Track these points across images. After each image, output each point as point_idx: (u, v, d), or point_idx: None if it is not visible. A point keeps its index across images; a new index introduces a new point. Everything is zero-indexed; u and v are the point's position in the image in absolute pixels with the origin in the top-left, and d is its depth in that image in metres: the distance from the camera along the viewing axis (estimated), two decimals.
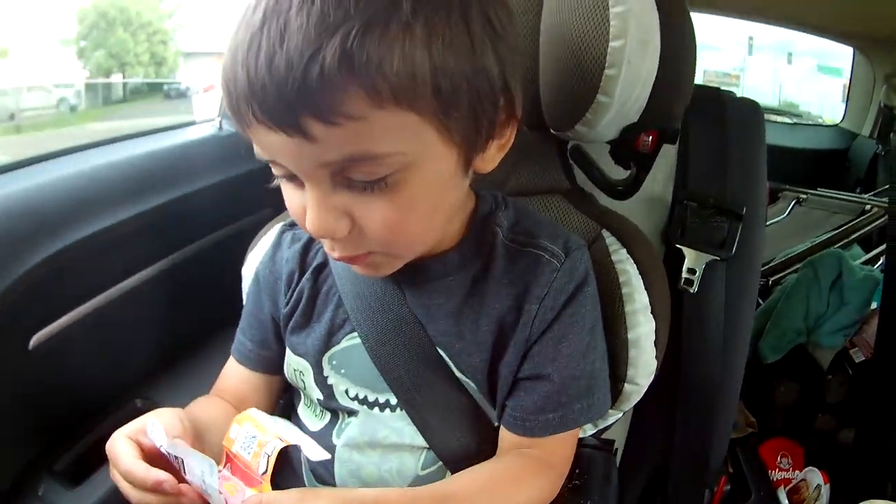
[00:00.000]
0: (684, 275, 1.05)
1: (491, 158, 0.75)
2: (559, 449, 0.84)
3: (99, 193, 1.08)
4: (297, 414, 0.94)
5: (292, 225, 0.94)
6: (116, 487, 0.74)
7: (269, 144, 0.63)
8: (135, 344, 1.10)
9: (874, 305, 1.91)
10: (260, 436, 0.68)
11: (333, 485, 0.88)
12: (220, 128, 1.40)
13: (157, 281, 1.16)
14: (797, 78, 5.52)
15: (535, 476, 0.81)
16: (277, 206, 1.06)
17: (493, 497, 0.77)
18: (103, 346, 1.11)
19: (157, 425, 0.70)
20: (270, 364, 0.94)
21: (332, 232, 0.67)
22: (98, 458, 0.94)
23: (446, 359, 0.83)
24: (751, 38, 5.80)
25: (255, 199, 1.34)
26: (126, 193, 1.10)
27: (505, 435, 0.84)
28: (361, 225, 0.68)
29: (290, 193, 0.71)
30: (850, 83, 3.56)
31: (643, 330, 0.90)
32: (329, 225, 0.66)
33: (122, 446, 0.71)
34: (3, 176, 1.04)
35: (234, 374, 0.95)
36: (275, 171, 0.69)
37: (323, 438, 0.88)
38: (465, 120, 0.66)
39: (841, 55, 3.73)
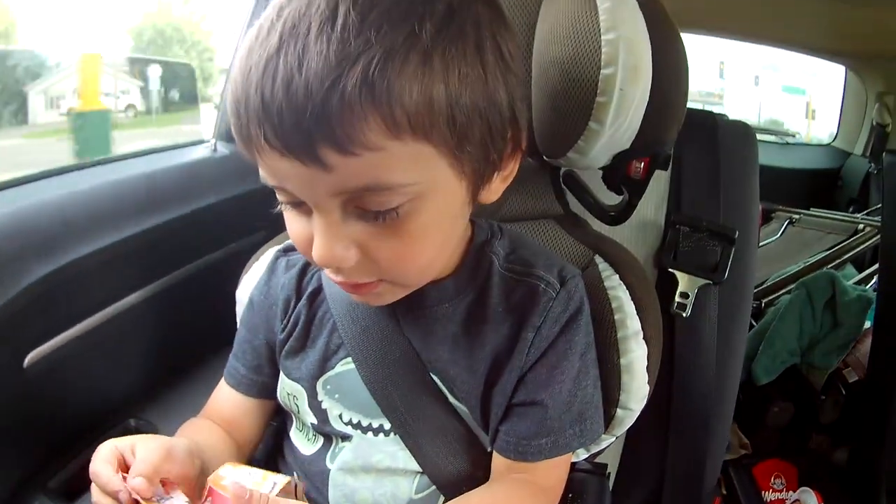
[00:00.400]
0: (677, 299, 1.05)
1: (495, 190, 0.75)
2: (552, 473, 0.84)
3: (93, 214, 1.08)
4: (288, 438, 0.94)
5: (286, 251, 0.94)
6: None
7: (278, 170, 0.62)
8: (129, 363, 1.10)
9: (867, 325, 1.92)
10: (260, 472, 0.68)
11: None
12: (215, 150, 1.40)
13: (151, 302, 1.16)
14: (765, 98, 5.75)
15: (530, 500, 0.82)
16: (271, 230, 1.07)
17: None
18: (98, 365, 1.11)
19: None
20: (263, 389, 0.94)
21: (340, 261, 0.66)
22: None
23: (440, 385, 0.83)
24: (722, 63, 5.94)
25: (249, 221, 1.35)
26: (120, 215, 1.10)
27: (498, 460, 0.84)
28: (371, 255, 0.67)
29: (293, 221, 0.70)
30: (842, 102, 3.57)
31: (635, 356, 0.90)
32: (338, 254, 0.65)
33: (104, 460, 0.71)
34: None
35: (226, 397, 0.95)
36: (280, 197, 0.68)
37: (316, 463, 0.88)
38: (476, 152, 0.66)
39: (802, 75, 3.78)
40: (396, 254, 0.67)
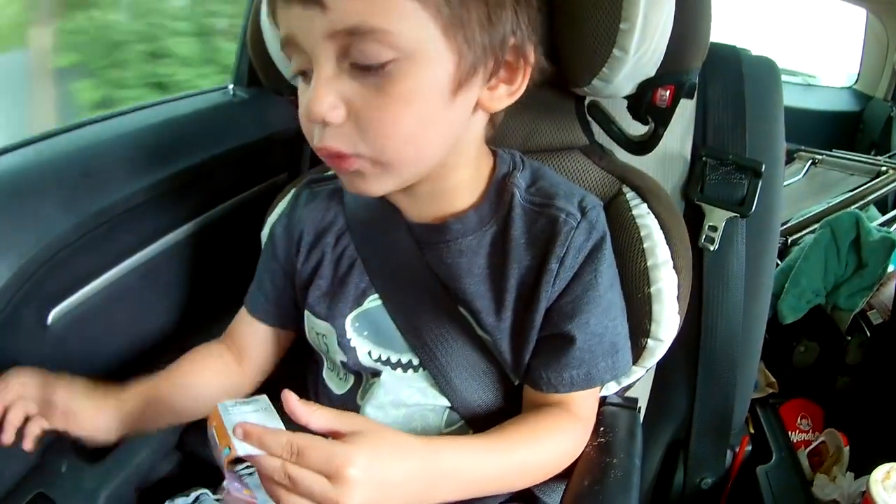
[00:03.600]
0: (705, 231, 1.04)
1: (499, 99, 0.77)
2: (585, 403, 0.85)
3: (112, 164, 1.07)
4: (322, 379, 0.95)
5: (310, 183, 0.95)
6: (138, 463, 0.76)
7: (287, 20, 0.69)
8: (154, 315, 1.10)
9: (891, 268, 1.90)
10: (218, 440, 0.67)
11: None
12: (233, 95, 1.39)
13: (175, 249, 1.16)
14: None
15: (565, 429, 0.82)
16: (292, 172, 1.07)
17: (532, 447, 0.79)
18: (122, 319, 1.11)
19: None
20: (280, 318, 0.97)
21: (327, 114, 0.68)
22: (132, 447, 0.95)
23: (468, 316, 0.84)
24: None
25: (270, 164, 1.35)
26: (139, 163, 1.10)
27: (530, 392, 0.85)
28: (357, 116, 0.69)
29: (301, 94, 0.74)
30: (863, 45, 3.52)
31: (665, 284, 0.89)
32: (327, 104, 0.68)
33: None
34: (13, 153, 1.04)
35: (244, 324, 0.98)
36: (292, 64, 0.73)
37: (348, 402, 0.89)
38: (473, 36, 0.69)
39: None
40: (379, 116, 0.69)
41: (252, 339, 0.98)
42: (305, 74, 0.72)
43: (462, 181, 0.84)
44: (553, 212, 0.82)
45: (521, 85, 0.77)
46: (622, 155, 1.01)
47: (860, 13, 3.44)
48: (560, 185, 0.87)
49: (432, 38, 0.68)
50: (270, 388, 1.10)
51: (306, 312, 0.91)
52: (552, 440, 0.81)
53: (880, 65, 3.36)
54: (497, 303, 0.82)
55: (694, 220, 1.05)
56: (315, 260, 0.91)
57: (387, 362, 0.86)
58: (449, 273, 0.84)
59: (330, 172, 0.97)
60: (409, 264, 0.85)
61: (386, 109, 0.69)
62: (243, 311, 0.98)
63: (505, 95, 0.77)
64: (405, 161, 0.74)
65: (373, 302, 0.87)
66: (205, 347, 0.97)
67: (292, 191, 0.98)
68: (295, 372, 1.02)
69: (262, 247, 1.00)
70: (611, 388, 0.96)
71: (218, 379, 0.96)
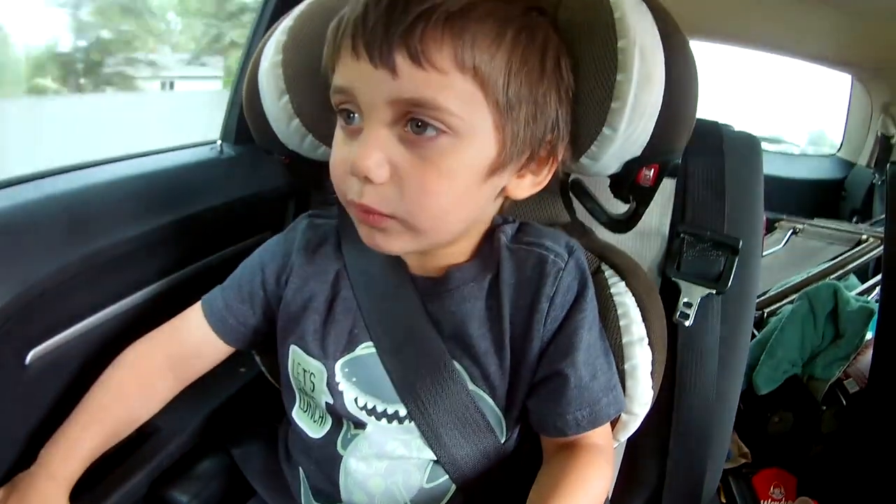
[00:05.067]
0: (680, 308, 1.05)
1: (524, 188, 0.83)
2: (600, 435, 0.86)
3: (100, 211, 1.07)
4: (292, 419, 0.95)
5: (311, 216, 0.98)
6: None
7: (350, 74, 0.72)
8: None
9: (869, 336, 1.91)
10: None
11: (338, 498, 0.89)
12: (221, 151, 1.40)
13: (156, 300, 1.16)
14: None
15: (595, 465, 0.84)
16: (276, 229, 1.07)
17: (586, 500, 0.80)
18: (101, 364, 1.09)
19: None
20: (235, 336, 0.96)
21: (372, 171, 0.71)
22: (95, 476, 0.94)
23: (462, 371, 0.85)
24: None
25: (255, 222, 1.35)
26: (127, 212, 1.10)
27: (545, 441, 0.87)
28: (399, 181, 0.73)
29: (339, 145, 0.78)
30: (847, 112, 3.57)
31: (640, 361, 0.90)
32: (374, 162, 0.71)
33: None
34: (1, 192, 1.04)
35: (194, 331, 0.97)
36: (340, 114, 0.77)
37: (326, 448, 0.90)
38: (518, 130, 0.75)
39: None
40: (421, 185, 0.73)
41: (200, 350, 0.97)
42: (348, 127, 0.75)
43: (466, 242, 0.88)
44: (542, 252, 0.85)
45: (546, 177, 0.84)
46: (601, 232, 1.03)
47: (845, 80, 3.50)
48: (545, 231, 0.90)
49: (484, 125, 0.73)
50: (235, 428, 1.11)
51: (295, 347, 0.91)
52: (594, 482, 0.82)
53: (864, 132, 3.41)
54: (497, 345, 0.84)
55: (670, 294, 1.06)
56: (308, 294, 0.91)
57: (372, 411, 0.86)
58: (453, 320, 0.85)
59: (331, 210, 0.98)
60: (409, 315, 0.86)
61: (428, 179, 0.73)
62: (196, 317, 0.97)
63: (529, 185, 0.83)
64: (432, 230, 0.78)
65: (366, 349, 0.88)
66: (134, 356, 0.96)
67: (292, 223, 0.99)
68: (262, 412, 1.03)
69: (247, 259, 1.00)
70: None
71: (150, 391, 0.96)
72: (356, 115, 0.74)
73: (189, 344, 0.97)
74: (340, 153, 0.77)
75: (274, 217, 1.36)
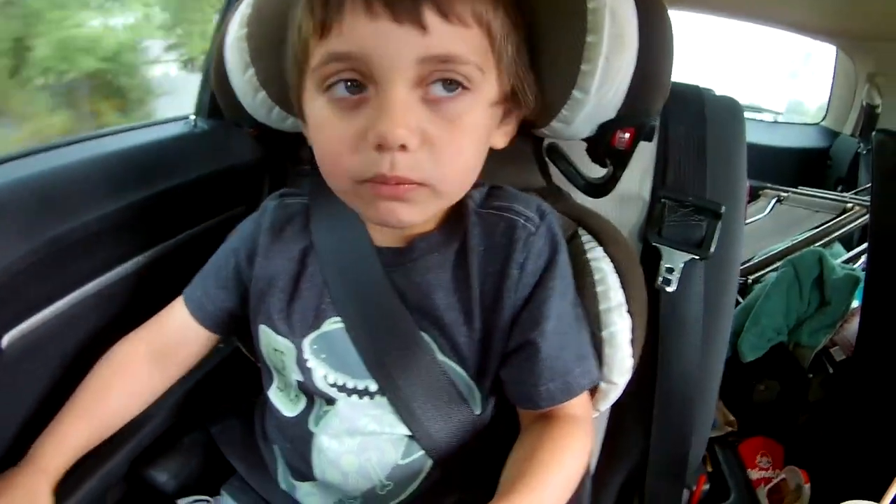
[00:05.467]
0: (662, 273, 1.04)
1: (501, 137, 0.83)
2: (576, 405, 0.84)
3: (70, 191, 1.05)
4: (267, 398, 0.93)
5: (282, 195, 0.96)
6: (84, 494, 0.76)
7: (362, 36, 0.67)
8: (109, 343, 1.08)
9: (855, 304, 1.91)
10: None
11: (312, 476, 0.88)
12: (195, 125, 1.38)
13: (131, 279, 1.14)
14: None
15: (571, 436, 0.81)
16: (251, 204, 1.06)
17: (562, 473, 0.78)
18: (77, 345, 1.09)
19: None
20: (216, 322, 0.96)
21: (406, 138, 0.69)
22: (75, 465, 0.93)
23: (430, 342, 0.83)
24: None
25: (229, 197, 1.34)
26: (98, 191, 1.08)
27: (522, 413, 0.86)
28: (430, 144, 0.71)
29: (338, 121, 0.73)
30: (832, 82, 3.57)
31: (618, 328, 0.89)
32: (405, 132, 0.68)
33: None
34: None
35: (178, 321, 0.97)
36: (334, 86, 0.72)
37: (298, 426, 0.88)
38: (510, 71, 0.77)
39: None
40: (450, 145, 0.72)
41: (183, 338, 0.97)
42: (351, 97, 0.72)
43: None
44: (511, 216, 0.84)
45: (513, 128, 0.83)
46: (580, 197, 1.01)
47: (825, 49, 3.50)
48: (514, 194, 0.88)
49: (490, 78, 0.74)
50: (214, 405, 1.10)
51: (264, 327, 0.90)
52: (573, 454, 0.80)
53: (849, 101, 3.41)
54: (466, 314, 0.82)
55: (651, 260, 1.05)
56: (272, 271, 0.90)
57: (343, 388, 0.85)
58: (418, 291, 0.83)
59: (301, 189, 0.97)
60: (375, 288, 0.84)
61: (455, 139, 0.72)
62: (178, 308, 0.97)
63: (503, 135, 0.83)
64: (455, 192, 0.79)
65: (333, 325, 0.86)
66: (120, 351, 0.96)
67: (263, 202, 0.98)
68: (239, 389, 1.02)
69: (222, 246, 1.00)
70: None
71: (136, 386, 0.96)
72: (360, 83, 0.71)
73: (173, 334, 0.97)
74: (342, 129, 0.72)
75: (250, 191, 1.34)
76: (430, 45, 0.67)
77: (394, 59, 0.68)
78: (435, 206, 0.79)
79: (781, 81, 4.53)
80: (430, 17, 0.66)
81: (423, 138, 0.70)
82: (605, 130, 0.90)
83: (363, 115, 0.70)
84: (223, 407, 1.09)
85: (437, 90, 0.70)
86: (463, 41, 0.69)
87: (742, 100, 1.19)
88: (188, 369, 1.00)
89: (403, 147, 0.69)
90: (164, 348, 0.97)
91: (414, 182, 0.72)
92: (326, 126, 0.74)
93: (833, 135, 3.47)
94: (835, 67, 3.51)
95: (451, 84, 0.70)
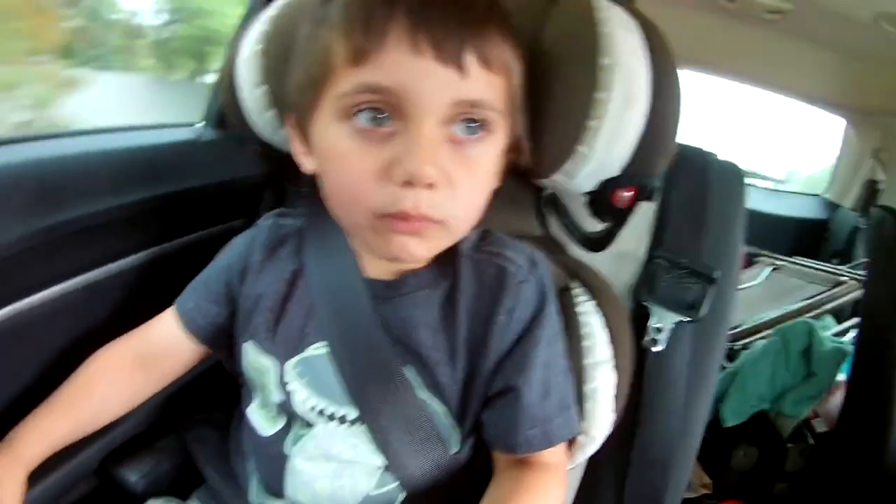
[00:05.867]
0: (650, 333, 1.04)
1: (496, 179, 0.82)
2: (552, 454, 0.84)
3: (71, 182, 1.05)
4: (245, 416, 0.93)
5: (278, 215, 0.96)
6: (51, 483, 0.82)
7: (405, 72, 0.67)
8: (94, 338, 1.07)
9: (841, 377, 1.92)
10: None
11: (283, 495, 0.87)
12: (202, 134, 1.38)
13: (121, 278, 1.14)
14: None
15: (544, 485, 0.82)
16: (249, 218, 1.06)
17: None
18: (61, 337, 1.08)
19: None
20: (207, 336, 0.96)
21: (434, 177, 0.69)
22: (47, 465, 0.92)
23: (412, 378, 0.82)
24: None
25: (229, 209, 1.34)
26: (99, 186, 1.07)
27: (496, 457, 0.85)
28: (452, 183, 0.71)
29: (361, 154, 0.71)
30: (838, 155, 3.59)
31: (602, 383, 0.89)
32: (433, 170, 0.69)
33: None
34: None
35: (166, 331, 0.96)
36: (358, 115, 0.70)
37: (273, 447, 0.88)
38: (516, 118, 0.78)
39: None
40: (468, 185, 0.73)
41: (172, 348, 0.97)
42: (378, 130, 0.70)
43: None
44: (501, 262, 0.84)
45: (504, 172, 0.83)
46: (575, 251, 1.02)
47: (837, 122, 3.52)
48: (506, 241, 0.88)
49: (507, 118, 0.75)
50: (191, 412, 1.10)
51: (248, 345, 0.90)
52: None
53: (851, 176, 3.42)
54: (450, 354, 0.82)
55: (640, 318, 1.05)
56: (261, 291, 0.89)
57: (322, 413, 0.85)
58: (403, 325, 0.83)
59: (297, 211, 0.97)
60: (361, 318, 0.84)
61: (472, 180, 0.73)
62: (169, 318, 0.97)
63: (497, 179, 0.82)
64: (465, 229, 0.80)
65: (317, 350, 0.85)
66: (108, 354, 0.96)
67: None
68: (218, 399, 1.02)
69: (214, 260, 1.00)
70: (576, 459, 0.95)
71: (120, 390, 0.95)
72: (386, 114, 0.69)
73: (162, 344, 0.97)
74: (366, 162, 0.70)
75: (248, 206, 1.34)
76: (466, 89, 0.68)
77: (432, 97, 0.68)
78: (444, 243, 0.79)
79: (783, 149, 4.54)
80: (471, 61, 0.67)
81: (445, 177, 0.71)
82: (607, 187, 0.90)
83: (388, 149, 0.69)
84: (200, 415, 1.09)
85: (460, 130, 0.71)
86: (492, 87, 0.71)
87: (743, 165, 1.20)
88: (174, 378, 1.00)
89: (430, 185, 0.69)
90: (151, 356, 0.96)
91: (433, 220, 0.73)
92: (348, 156, 0.71)
93: (833, 207, 3.48)
94: (843, 140, 3.53)
95: (473, 124, 0.71)
